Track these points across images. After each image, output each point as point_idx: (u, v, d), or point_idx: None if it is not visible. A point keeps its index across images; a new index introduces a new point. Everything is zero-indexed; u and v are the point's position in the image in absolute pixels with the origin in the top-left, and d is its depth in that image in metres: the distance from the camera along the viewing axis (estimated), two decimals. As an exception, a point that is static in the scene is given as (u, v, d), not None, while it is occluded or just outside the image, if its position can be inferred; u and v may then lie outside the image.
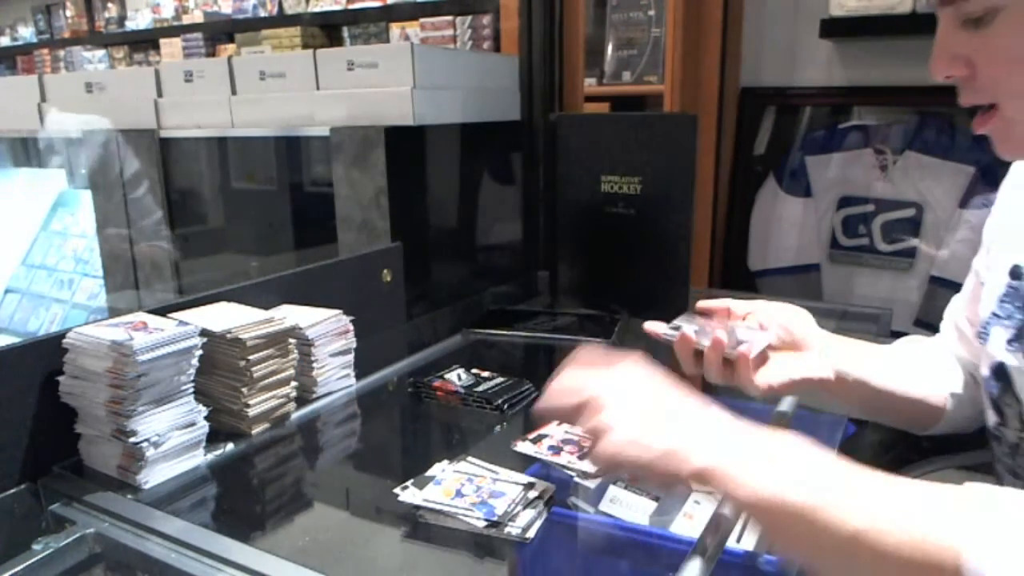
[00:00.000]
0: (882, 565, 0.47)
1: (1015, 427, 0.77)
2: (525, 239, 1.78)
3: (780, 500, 0.52)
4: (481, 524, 0.74)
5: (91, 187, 1.84)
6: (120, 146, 1.73)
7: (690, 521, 0.83)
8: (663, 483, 0.60)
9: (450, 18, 2.54)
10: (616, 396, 0.63)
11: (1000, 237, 0.82)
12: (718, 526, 0.67)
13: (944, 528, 0.46)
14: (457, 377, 1.11)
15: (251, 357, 0.90)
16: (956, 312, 0.93)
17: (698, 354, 0.80)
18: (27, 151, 2.26)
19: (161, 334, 0.82)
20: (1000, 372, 0.76)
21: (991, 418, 0.81)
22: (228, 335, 0.89)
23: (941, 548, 0.45)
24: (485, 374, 1.12)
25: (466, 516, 0.75)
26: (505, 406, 1.03)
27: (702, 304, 0.87)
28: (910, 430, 0.92)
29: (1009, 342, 0.75)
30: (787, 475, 0.53)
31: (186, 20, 3.35)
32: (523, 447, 0.93)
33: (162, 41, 3.41)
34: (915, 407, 0.87)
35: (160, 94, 1.72)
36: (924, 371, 0.89)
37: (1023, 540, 0.44)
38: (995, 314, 0.78)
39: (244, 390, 0.91)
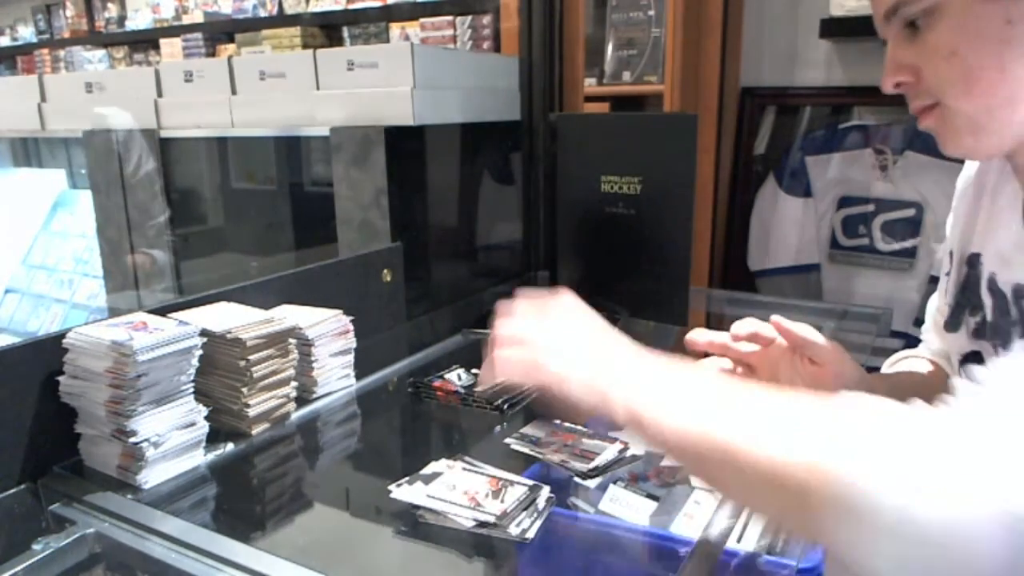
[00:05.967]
0: (763, 477, 0.51)
1: None
2: (525, 239, 1.78)
3: (686, 437, 0.56)
4: (480, 524, 0.74)
5: (91, 187, 1.84)
6: (131, 144, 1.73)
7: (690, 521, 0.83)
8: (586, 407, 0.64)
9: (450, 18, 2.54)
10: (550, 335, 0.70)
11: (958, 228, 0.85)
12: (718, 526, 0.67)
13: (817, 439, 0.50)
14: (457, 377, 1.11)
15: (251, 357, 0.90)
16: (934, 308, 0.94)
17: None
18: (27, 151, 2.26)
19: (161, 334, 0.82)
20: (975, 358, 0.77)
21: None
22: (228, 335, 0.89)
23: (809, 460, 0.49)
24: None
25: (465, 516, 0.75)
26: (505, 406, 1.03)
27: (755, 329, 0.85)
28: None
29: (975, 331, 0.77)
30: (690, 412, 0.57)
31: (186, 20, 3.35)
32: (523, 447, 0.93)
33: (162, 41, 3.41)
34: None
35: (160, 94, 1.72)
36: (935, 385, 0.88)
37: (885, 444, 0.47)
38: (959, 304, 0.80)
39: (244, 390, 0.91)
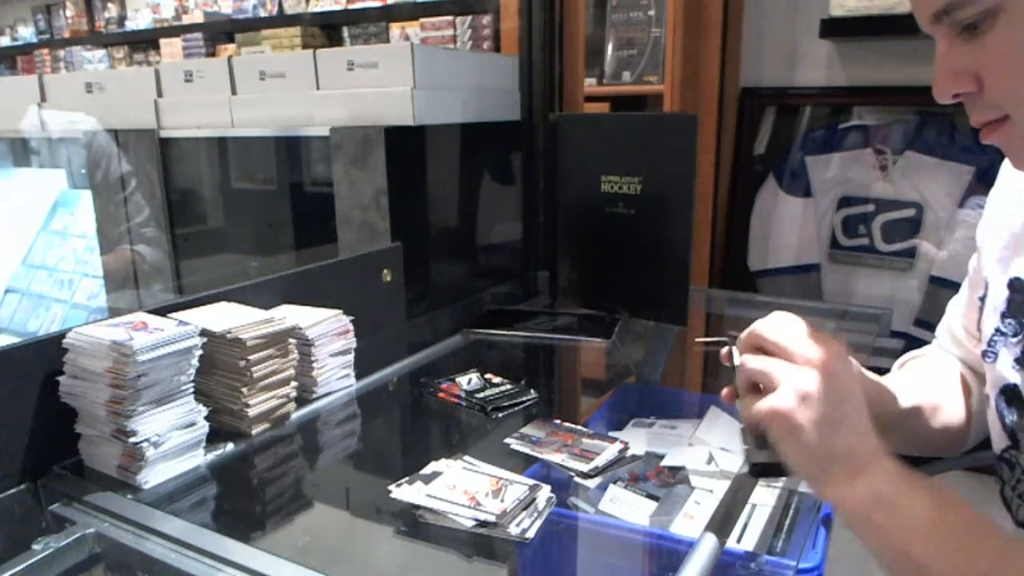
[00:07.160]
0: None
1: None
2: (525, 239, 1.78)
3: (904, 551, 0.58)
4: (480, 524, 0.74)
5: (91, 187, 1.84)
6: (111, 145, 1.73)
7: (690, 521, 0.83)
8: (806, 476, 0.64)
9: (450, 18, 2.54)
10: (813, 379, 0.61)
11: (995, 247, 0.77)
12: (718, 526, 0.67)
13: None
14: (467, 381, 1.11)
15: (251, 357, 0.90)
16: (953, 319, 0.90)
17: None
18: (27, 151, 2.26)
19: (161, 334, 0.82)
20: (1013, 395, 0.71)
21: (1001, 442, 0.75)
22: (228, 335, 0.89)
23: None
24: (496, 380, 1.12)
25: (465, 516, 0.75)
26: (489, 408, 1.03)
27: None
28: (941, 455, 0.88)
29: (1017, 360, 0.70)
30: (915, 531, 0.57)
31: (186, 20, 3.35)
32: (523, 447, 0.93)
33: (162, 41, 3.41)
34: (944, 431, 0.83)
35: (160, 94, 1.71)
36: (942, 392, 0.85)
37: None
38: (1000, 331, 0.73)
39: (244, 390, 0.91)
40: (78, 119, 1.76)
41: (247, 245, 1.75)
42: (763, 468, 0.66)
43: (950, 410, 0.84)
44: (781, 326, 0.65)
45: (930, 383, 0.87)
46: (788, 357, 0.63)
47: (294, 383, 0.98)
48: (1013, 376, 0.71)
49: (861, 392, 0.63)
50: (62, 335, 0.82)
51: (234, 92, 1.60)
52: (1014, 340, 0.72)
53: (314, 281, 1.17)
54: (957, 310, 0.90)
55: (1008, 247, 0.75)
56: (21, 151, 2.26)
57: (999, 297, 0.74)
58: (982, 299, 0.79)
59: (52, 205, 2.18)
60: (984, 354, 0.76)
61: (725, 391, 0.70)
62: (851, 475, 0.60)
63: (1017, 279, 0.72)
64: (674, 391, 1.30)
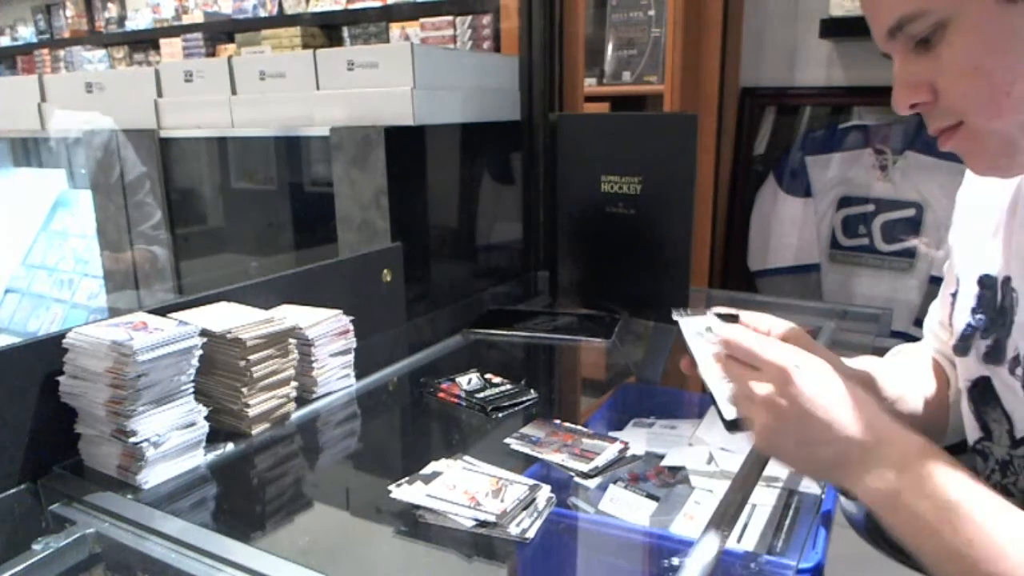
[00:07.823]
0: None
1: (1004, 444, 0.74)
2: (525, 239, 1.78)
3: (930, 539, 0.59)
4: (480, 524, 0.74)
5: (92, 187, 1.84)
6: (121, 147, 1.74)
7: (690, 521, 0.83)
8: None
9: (450, 18, 2.54)
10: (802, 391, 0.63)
11: (965, 245, 0.80)
12: (718, 526, 0.67)
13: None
14: (467, 381, 1.11)
15: (251, 357, 0.90)
16: (934, 316, 0.92)
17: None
18: (27, 151, 2.26)
19: (161, 334, 0.82)
20: (983, 387, 0.74)
21: (974, 433, 0.78)
22: (228, 335, 0.89)
23: None
24: (496, 380, 1.12)
25: (465, 516, 0.75)
26: (489, 408, 1.03)
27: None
28: None
29: (987, 355, 0.73)
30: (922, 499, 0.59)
31: (186, 20, 3.35)
32: (523, 446, 0.93)
33: (162, 41, 3.41)
34: (924, 422, 0.85)
35: (160, 94, 1.71)
36: (924, 384, 0.88)
37: None
38: (970, 325, 0.76)
39: (244, 390, 0.91)
40: (92, 119, 1.76)
41: (247, 245, 1.75)
42: (736, 423, 0.69)
43: (926, 397, 0.87)
44: (748, 350, 0.67)
45: (908, 372, 0.89)
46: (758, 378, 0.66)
47: (294, 383, 0.98)
48: (984, 369, 0.74)
49: (840, 393, 0.64)
50: (62, 335, 0.82)
51: (234, 92, 1.60)
52: (983, 334, 0.74)
53: (314, 281, 1.17)
54: (937, 308, 0.92)
55: (978, 245, 0.77)
56: (21, 151, 2.26)
57: (970, 293, 0.76)
58: (953, 295, 0.81)
59: (52, 205, 2.18)
60: (955, 348, 0.78)
61: (684, 362, 0.75)
62: (847, 477, 0.63)
63: (987, 275, 0.74)
64: (674, 391, 1.30)
